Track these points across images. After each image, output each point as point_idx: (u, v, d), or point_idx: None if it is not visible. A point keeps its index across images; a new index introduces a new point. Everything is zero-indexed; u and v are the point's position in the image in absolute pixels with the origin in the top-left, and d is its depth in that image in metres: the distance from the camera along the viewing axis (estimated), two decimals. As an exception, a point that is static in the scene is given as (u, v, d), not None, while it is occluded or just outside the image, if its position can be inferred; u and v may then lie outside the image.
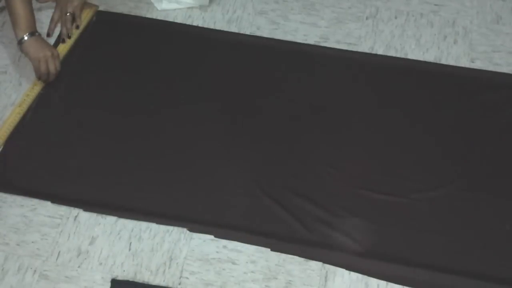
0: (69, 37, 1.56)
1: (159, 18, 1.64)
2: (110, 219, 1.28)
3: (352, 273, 1.21)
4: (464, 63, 1.54)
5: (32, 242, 1.25)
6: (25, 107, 1.44)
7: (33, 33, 1.42)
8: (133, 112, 1.44)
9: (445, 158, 1.36)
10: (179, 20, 1.64)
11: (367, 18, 1.64)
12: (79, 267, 1.22)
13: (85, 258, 1.23)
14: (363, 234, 1.25)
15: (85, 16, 1.61)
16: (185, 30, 1.61)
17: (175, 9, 1.65)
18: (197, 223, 1.27)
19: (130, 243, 1.25)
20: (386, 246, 1.23)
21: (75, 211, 1.29)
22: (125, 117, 1.43)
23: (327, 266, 1.22)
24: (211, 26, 1.62)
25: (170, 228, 1.27)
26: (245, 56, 1.55)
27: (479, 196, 1.30)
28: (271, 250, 1.23)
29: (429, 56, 1.55)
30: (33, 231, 1.26)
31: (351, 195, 1.30)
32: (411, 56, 1.56)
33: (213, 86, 1.49)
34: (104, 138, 1.40)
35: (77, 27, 1.58)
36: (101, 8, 1.65)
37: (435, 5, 1.67)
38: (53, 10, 1.58)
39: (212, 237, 1.25)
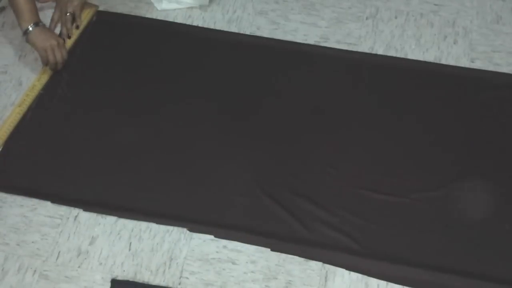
0: (69, 37, 1.56)
1: (159, 18, 1.64)
2: (110, 219, 1.28)
3: (352, 273, 1.21)
4: (464, 63, 1.54)
5: (32, 242, 1.25)
6: (25, 107, 1.44)
7: (38, 23, 1.43)
8: (133, 112, 1.44)
9: (445, 158, 1.36)
10: (179, 20, 1.63)
11: (367, 18, 1.64)
12: (79, 267, 1.22)
13: (85, 258, 1.23)
14: (363, 234, 1.25)
15: (85, 16, 1.61)
16: (185, 30, 1.61)
17: (175, 9, 1.65)
18: (197, 223, 1.27)
19: (130, 243, 1.25)
20: (386, 246, 1.23)
21: (75, 211, 1.29)
22: (125, 117, 1.43)
23: (327, 266, 1.22)
24: (211, 26, 1.62)
25: (170, 228, 1.26)
26: (245, 56, 1.55)
27: (479, 196, 1.30)
28: (271, 250, 1.23)
29: (429, 56, 1.55)
30: (33, 231, 1.26)
31: (351, 195, 1.30)
32: (411, 56, 1.56)
33: (213, 86, 1.49)
34: (104, 138, 1.40)
35: (77, 27, 1.58)
36: (101, 8, 1.65)
37: (435, 5, 1.67)
38: (53, 10, 1.57)
39: (212, 237, 1.25)
